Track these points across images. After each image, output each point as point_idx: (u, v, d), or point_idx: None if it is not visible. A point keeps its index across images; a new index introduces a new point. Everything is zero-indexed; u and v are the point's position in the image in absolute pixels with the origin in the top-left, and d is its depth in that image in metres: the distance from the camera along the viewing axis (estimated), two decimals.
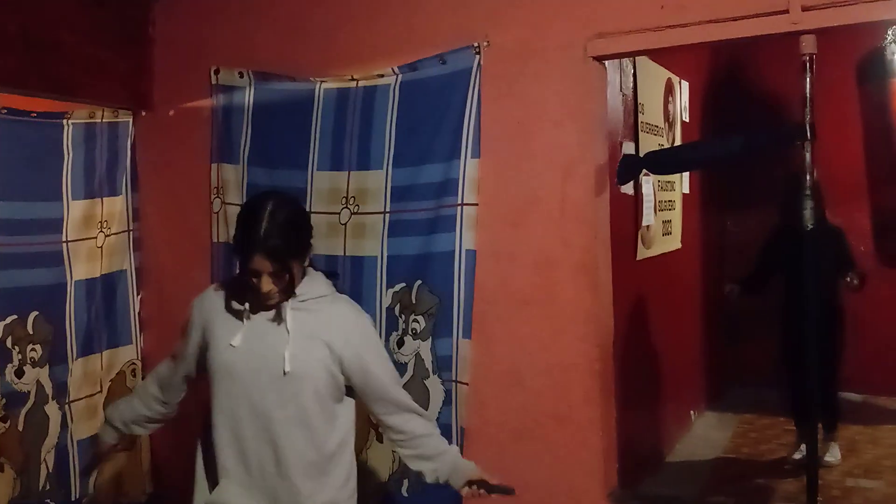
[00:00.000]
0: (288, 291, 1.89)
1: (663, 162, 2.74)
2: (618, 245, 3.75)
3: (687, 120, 4.96)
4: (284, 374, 1.88)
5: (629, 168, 2.68)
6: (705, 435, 4.74)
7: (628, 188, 3.84)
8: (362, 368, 1.96)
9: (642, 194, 4.04)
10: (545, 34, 2.58)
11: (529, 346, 2.62)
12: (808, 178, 2.40)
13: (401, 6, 2.84)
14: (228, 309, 1.98)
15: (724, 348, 5.65)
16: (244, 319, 1.94)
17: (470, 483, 1.99)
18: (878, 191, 4.69)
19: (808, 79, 2.34)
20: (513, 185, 2.64)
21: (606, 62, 2.65)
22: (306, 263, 1.97)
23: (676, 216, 4.74)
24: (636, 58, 3.90)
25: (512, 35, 2.63)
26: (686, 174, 4.95)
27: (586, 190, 2.55)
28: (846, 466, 4.09)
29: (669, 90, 4.59)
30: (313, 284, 1.98)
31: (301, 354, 1.89)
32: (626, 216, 3.88)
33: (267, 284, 1.85)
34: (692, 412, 4.95)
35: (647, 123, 4.10)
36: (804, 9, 2.23)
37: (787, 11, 2.25)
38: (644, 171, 3.19)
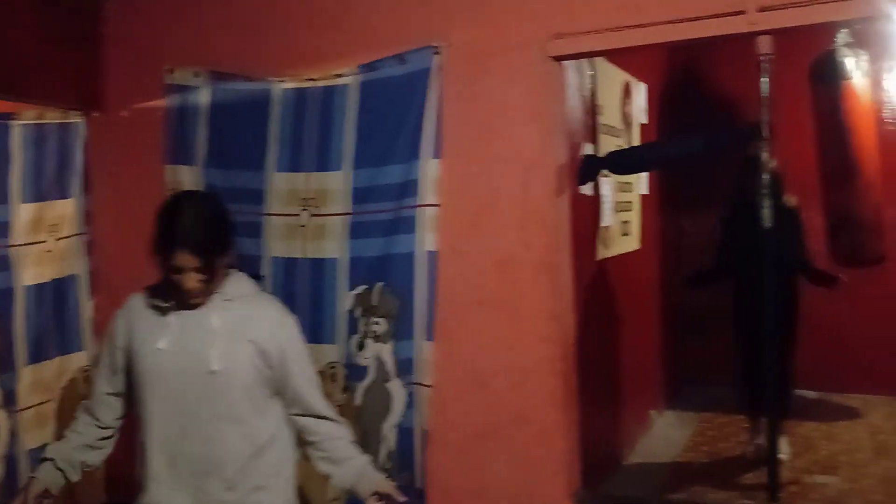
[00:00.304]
0: (211, 289, 1.91)
1: (623, 162, 2.76)
2: (578, 245, 3.77)
3: (646, 122, 5.01)
4: (212, 372, 1.88)
5: (589, 168, 2.69)
6: (665, 434, 4.79)
7: (587, 189, 3.86)
8: (283, 366, 1.98)
9: (601, 195, 4.06)
10: (504, 34, 2.58)
11: (492, 347, 2.61)
12: (764, 176, 2.42)
13: (360, 6, 2.81)
14: (152, 313, 1.97)
15: (684, 347, 5.71)
16: (169, 321, 1.93)
17: (377, 495, 1.97)
18: (831, 190, 4.77)
19: (764, 79, 2.37)
20: (474, 185, 2.63)
21: (566, 63, 2.66)
22: (229, 262, 1.96)
23: (635, 217, 4.78)
24: (594, 60, 3.93)
25: (471, 35, 2.62)
26: (644, 176, 5.01)
27: (547, 190, 2.55)
28: (803, 462, 4.16)
29: (627, 92, 4.63)
30: (238, 284, 2.00)
31: (228, 352, 1.90)
32: (586, 217, 3.90)
33: (191, 281, 1.85)
34: (652, 411, 5.00)
35: (605, 125, 4.13)
36: (760, 10, 2.26)
37: (743, 12, 2.28)
38: (603, 171, 3.18)
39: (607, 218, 4.17)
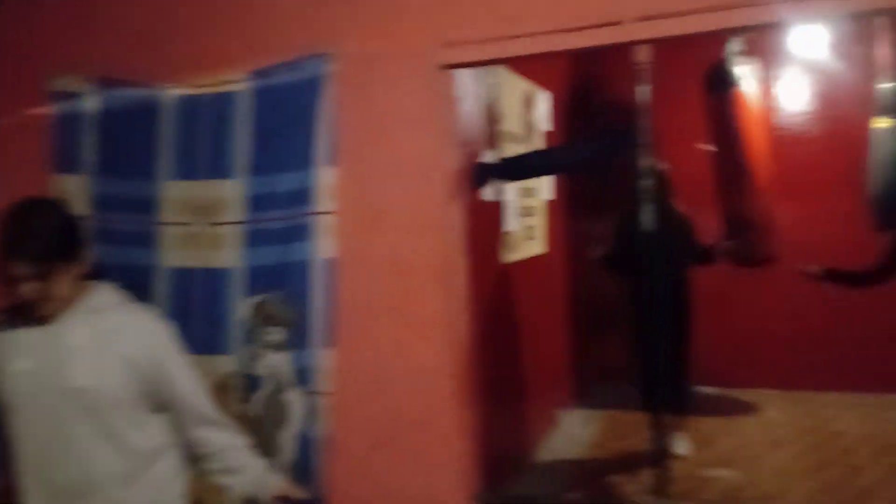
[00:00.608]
0: (59, 299, 1.81)
1: (514, 169, 2.82)
2: (481, 250, 3.85)
3: (550, 129, 5.13)
4: (78, 389, 1.81)
5: (482, 175, 2.72)
6: (572, 432, 4.89)
7: (490, 194, 3.92)
8: (161, 378, 1.91)
9: (504, 201, 4.14)
10: (396, 43, 2.60)
11: (390, 353, 2.62)
12: (644, 182, 2.51)
13: (252, 12, 2.78)
14: (9, 332, 1.88)
15: (592, 346, 5.84)
16: (27, 339, 1.84)
17: (277, 498, 1.96)
18: (724, 194, 4.99)
19: (640, 87, 2.46)
20: (369, 192, 2.63)
21: (465, 72, 2.69)
22: (83, 271, 1.87)
23: (540, 221, 4.88)
24: (495, 69, 4.00)
25: (364, 43, 2.63)
26: (549, 181, 5.12)
27: (440, 197, 2.58)
28: (702, 457, 4.32)
29: (530, 100, 4.73)
30: (103, 295, 1.92)
31: (95, 368, 1.83)
32: (490, 222, 3.97)
33: (28, 290, 1.76)
34: (560, 410, 5.10)
35: (507, 132, 4.21)
36: (638, 20, 2.35)
37: (620, 23, 2.36)
38: (499, 177, 3.24)
39: (511, 223, 4.25)
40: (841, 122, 5.51)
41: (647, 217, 2.53)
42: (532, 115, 4.78)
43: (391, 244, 2.61)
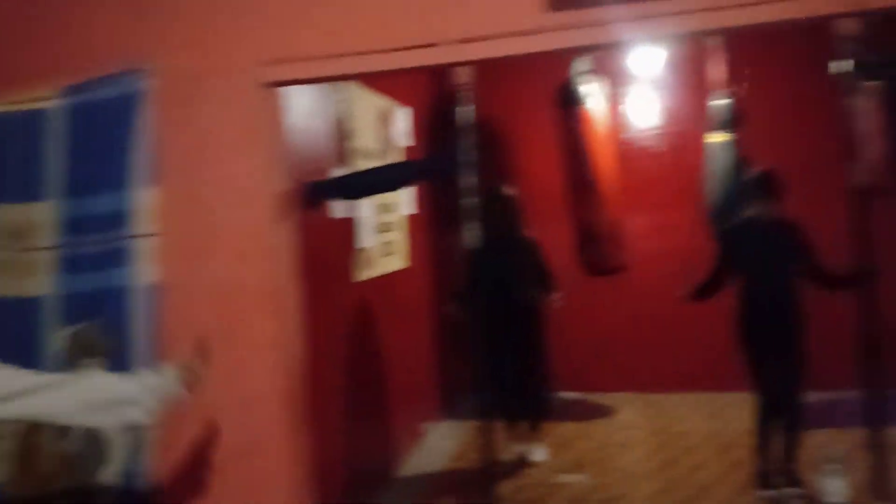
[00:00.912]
0: None
1: (346, 187, 2.80)
2: (332, 268, 3.82)
3: (411, 144, 5.15)
4: None
5: (314, 194, 2.69)
6: (437, 445, 4.91)
7: (341, 211, 3.89)
8: None
9: (358, 217, 4.11)
10: (218, 59, 2.53)
11: (218, 381, 2.51)
12: (475, 200, 2.56)
13: (65, 25, 2.65)
14: None
15: (459, 357, 5.87)
16: None
17: None
18: (575, 207, 5.18)
19: (461, 109, 2.50)
20: (193, 214, 2.55)
21: (313, 87, 2.65)
22: None
23: (401, 236, 4.89)
24: (346, 84, 3.98)
25: (185, 58, 2.55)
26: (411, 195, 5.15)
27: (266, 218, 2.53)
28: (557, 463, 4.43)
29: (386, 116, 4.74)
30: None
31: None
32: (341, 239, 3.93)
33: None
34: (425, 424, 5.12)
35: (361, 149, 4.19)
36: (454, 42, 2.39)
37: (436, 45, 2.39)
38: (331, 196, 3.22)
39: (366, 239, 4.23)
40: (682, 136, 5.83)
41: (472, 235, 2.56)
42: (389, 130, 4.79)
43: (219, 267, 2.53)
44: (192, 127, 2.55)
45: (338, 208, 3.86)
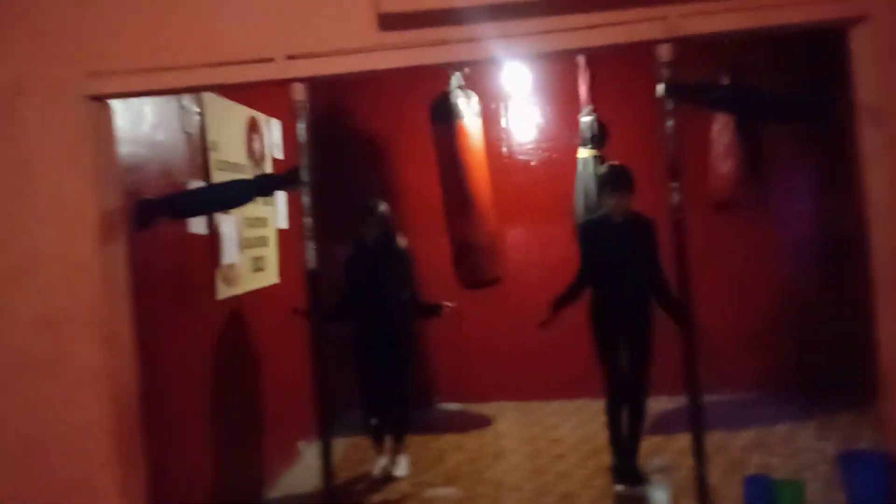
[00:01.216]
0: None
1: (179, 204, 2.72)
2: (190, 286, 3.69)
3: (281, 157, 5.07)
4: None
5: (145, 212, 2.59)
6: (312, 464, 4.82)
7: (201, 228, 3.78)
8: None
9: (221, 233, 4.00)
10: (39, 71, 2.41)
11: (39, 412, 2.40)
12: (309, 220, 2.52)
13: None
14: None
15: (339, 374, 5.81)
16: None
17: None
18: (451, 220, 5.21)
19: (300, 125, 2.47)
20: (10, 237, 2.41)
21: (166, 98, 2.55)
22: None
23: (271, 252, 4.79)
24: (204, 96, 3.87)
25: (3, 70, 2.40)
26: (283, 210, 5.06)
27: (92, 239, 2.41)
28: (429, 476, 4.43)
29: (254, 128, 4.64)
30: None
31: None
32: (200, 257, 3.81)
33: None
34: (300, 442, 5.02)
35: (223, 161, 4.08)
36: (289, 58, 2.36)
37: (273, 60, 2.36)
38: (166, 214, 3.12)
39: (230, 256, 4.11)
40: (556, 151, 5.99)
41: (310, 255, 2.54)
42: (259, 143, 4.69)
43: (39, 293, 2.41)
44: (13, 142, 2.41)
45: (196, 224, 3.74)
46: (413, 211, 6.03)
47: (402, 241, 4.61)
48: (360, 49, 2.30)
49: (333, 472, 4.62)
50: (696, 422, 2.51)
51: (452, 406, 5.98)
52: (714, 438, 4.72)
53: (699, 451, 2.48)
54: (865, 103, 2.32)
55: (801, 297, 5.75)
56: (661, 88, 2.36)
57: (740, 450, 4.51)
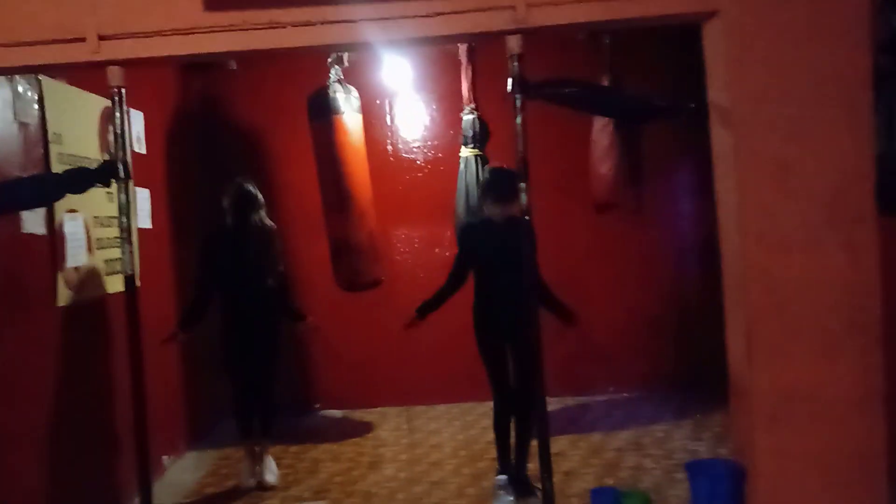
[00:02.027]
0: None
1: None
2: (22, 293, 3.35)
3: (143, 151, 4.74)
4: None
5: None
6: (176, 480, 4.53)
7: (38, 227, 3.44)
8: None
9: (64, 234, 3.67)
10: None
11: None
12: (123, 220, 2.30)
13: None
14: None
15: (213, 381, 5.51)
16: None
17: None
18: (329, 219, 5.00)
19: (119, 113, 2.24)
20: None
21: None
22: None
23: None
24: (43, 82, 3.53)
25: None
26: (146, 209, 4.74)
27: None
28: (300, 489, 4.21)
29: (109, 119, 4.30)
30: None
31: None
32: (37, 259, 3.47)
33: None
34: (165, 457, 4.70)
35: (68, 155, 3.74)
36: (102, 38, 2.12)
37: (84, 40, 2.11)
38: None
39: (76, 258, 3.78)
40: (440, 149, 5.87)
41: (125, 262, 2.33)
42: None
43: None
44: None
45: (32, 223, 3.41)
46: (294, 211, 5.80)
47: (268, 220, 4.38)
48: (182, 30, 2.09)
49: (198, 490, 4.36)
50: (543, 431, 2.42)
51: (334, 413, 5.77)
52: (592, 440, 4.72)
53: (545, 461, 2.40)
54: (715, 103, 2.27)
55: (680, 297, 5.85)
56: (509, 83, 2.24)
57: (616, 451, 4.51)
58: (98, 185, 2.55)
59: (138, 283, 4.51)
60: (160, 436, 4.72)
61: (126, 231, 2.38)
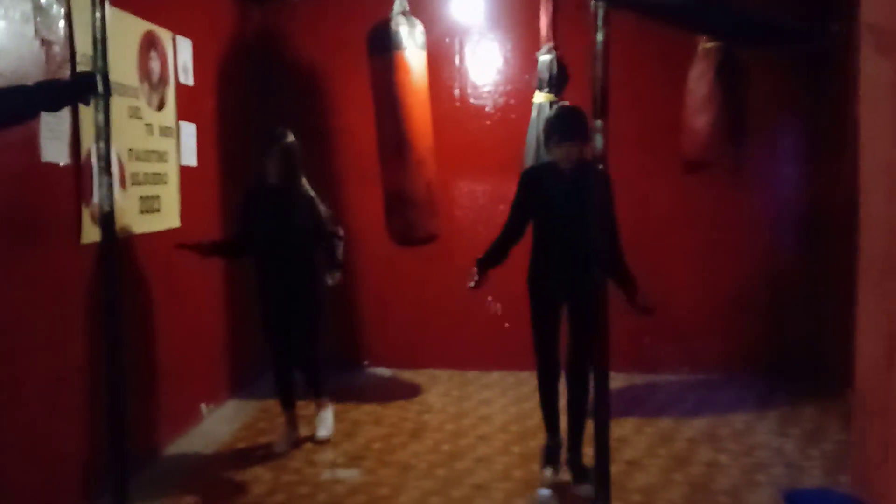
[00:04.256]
0: None
1: None
2: (37, 230, 3.10)
3: (191, 83, 4.44)
4: None
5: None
6: (211, 429, 4.32)
7: (60, 156, 3.18)
8: None
9: (92, 165, 3.40)
10: None
11: None
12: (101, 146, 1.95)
13: None
14: None
15: (248, 329, 5.27)
16: None
17: None
18: (385, 168, 4.60)
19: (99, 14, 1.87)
20: None
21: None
22: None
23: (171, 191, 4.20)
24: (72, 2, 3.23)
25: None
26: (191, 146, 4.46)
27: None
28: (335, 454, 3.92)
29: (152, 44, 4.00)
30: None
31: None
32: (58, 192, 3.22)
33: None
34: (203, 405, 4.50)
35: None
36: None
37: None
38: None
39: (104, 193, 3.51)
40: (513, 95, 5.36)
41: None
42: (155, 63, 4.05)
43: None
44: None
45: (53, 152, 3.14)
46: (349, 159, 5.45)
47: (307, 185, 4.03)
48: None
49: (235, 440, 4.14)
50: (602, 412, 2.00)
51: (382, 371, 5.47)
52: (660, 426, 4.25)
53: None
54: (871, 25, 1.71)
55: (776, 272, 5.22)
56: None
57: (687, 441, 4.03)
58: (76, 101, 2.22)
59: (180, 223, 4.31)
60: (200, 383, 4.54)
61: (105, 160, 2.04)
